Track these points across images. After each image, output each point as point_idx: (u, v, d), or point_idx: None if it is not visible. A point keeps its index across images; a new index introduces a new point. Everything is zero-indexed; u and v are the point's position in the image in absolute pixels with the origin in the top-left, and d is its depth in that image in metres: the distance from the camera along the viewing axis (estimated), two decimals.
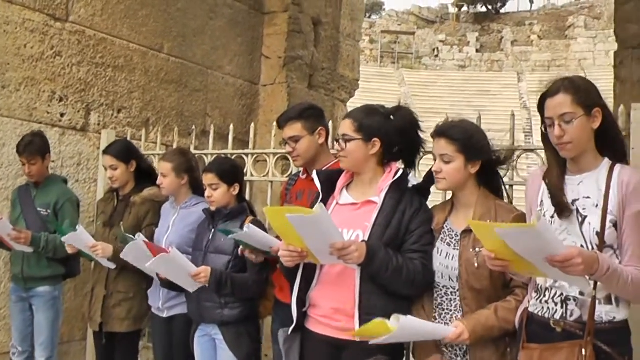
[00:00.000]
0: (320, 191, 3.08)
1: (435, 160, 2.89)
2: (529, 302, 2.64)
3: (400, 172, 3.01)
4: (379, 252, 2.78)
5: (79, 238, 4.13)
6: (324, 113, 3.72)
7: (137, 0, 5.89)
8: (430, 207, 3.06)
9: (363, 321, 2.78)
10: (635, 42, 5.70)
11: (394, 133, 3.05)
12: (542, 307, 2.56)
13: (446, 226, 2.91)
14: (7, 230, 4.35)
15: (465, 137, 2.83)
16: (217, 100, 6.73)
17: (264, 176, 4.68)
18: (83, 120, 5.47)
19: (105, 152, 4.50)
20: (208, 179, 3.79)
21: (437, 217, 2.96)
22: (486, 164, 2.89)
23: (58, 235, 4.45)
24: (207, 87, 6.61)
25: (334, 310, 2.93)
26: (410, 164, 3.16)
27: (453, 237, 2.85)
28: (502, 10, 55.06)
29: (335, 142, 3.23)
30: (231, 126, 5.19)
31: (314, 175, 3.14)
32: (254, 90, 7.18)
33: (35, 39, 5.13)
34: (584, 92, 2.51)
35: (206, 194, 3.80)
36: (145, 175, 4.54)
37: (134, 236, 3.82)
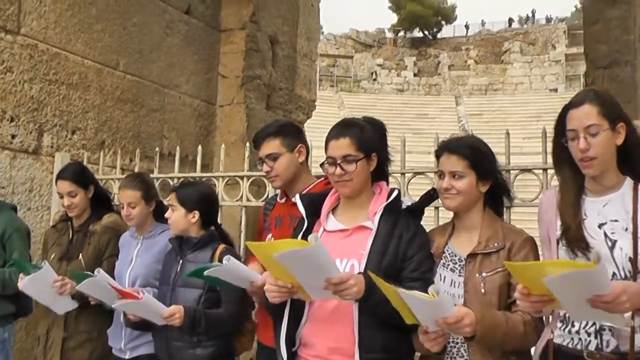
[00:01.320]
0: (304, 217, 2.85)
1: (441, 177, 2.75)
2: (552, 332, 2.50)
3: (396, 192, 2.81)
4: (375, 288, 2.52)
5: (43, 278, 3.75)
6: (302, 131, 3.53)
7: (91, 14, 5.63)
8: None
9: None
10: (606, 61, 5.72)
11: (384, 146, 2.93)
12: (572, 339, 2.44)
13: (447, 250, 2.75)
14: None
15: (477, 154, 2.72)
16: (174, 121, 6.50)
17: (236, 200, 4.45)
18: (35, 142, 5.16)
19: (61, 176, 4.13)
20: (170, 199, 3.61)
21: (436, 240, 2.80)
22: (493, 184, 2.76)
23: (7, 268, 4.10)
24: (163, 107, 6.37)
25: (330, 349, 2.69)
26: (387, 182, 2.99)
27: (457, 263, 2.69)
28: (439, 36, 56.27)
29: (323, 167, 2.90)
30: (199, 148, 4.97)
31: (297, 199, 2.91)
32: (210, 110, 6.97)
33: None
34: (609, 105, 2.43)
35: (167, 214, 3.59)
36: (99, 202, 4.24)
37: (93, 271, 3.51)
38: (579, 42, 46.47)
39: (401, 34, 56.85)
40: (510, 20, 58.44)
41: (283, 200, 3.45)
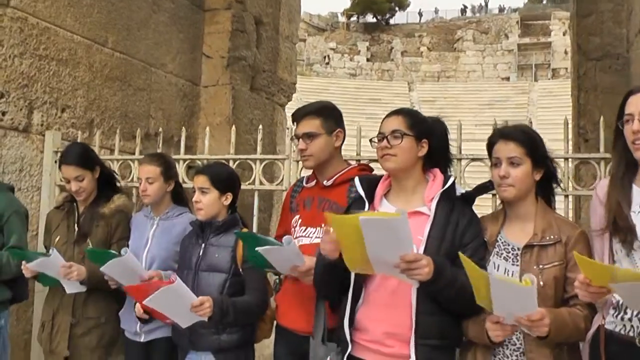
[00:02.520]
0: (364, 198, 2.87)
1: (497, 165, 2.75)
2: (603, 318, 2.53)
3: (452, 179, 2.84)
4: (446, 268, 2.58)
5: (51, 263, 3.63)
6: (342, 117, 3.49)
7: None
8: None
9: (419, 347, 2.61)
10: (598, 53, 5.84)
11: (440, 138, 2.92)
12: (625, 325, 2.46)
13: (500, 239, 2.76)
14: None
15: (532, 141, 2.73)
16: (160, 100, 6.38)
17: (249, 184, 4.39)
18: (26, 119, 4.99)
19: (65, 161, 3.96)
20: (199, 181, 3.49)
21: (489, 228, 2.81)
22: (546, 173, 2.78)
23: (5, 252, 3.93)
24: (150, 86, 6.25)
25: (386, 334, 2.69)
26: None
27: (510, 252, 2.71)
28: (392, 22, 56.40)
29: (374, 141, 2.92)
30: (183, 129, 4.85)
31: (357, 181, 2.93)
32: (195, 91, 6.87)
33: None
34: None
35: (194, 198, 3.50)
36: (105, 183, 4.10)
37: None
38: (531, 32, 47.37)
39: (354, 18, 56.88)
40: (464, 9, 59.01)
41: (313, 184, 3.42)
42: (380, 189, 2.92)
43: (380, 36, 52.29)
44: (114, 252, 3.46)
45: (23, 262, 3.74)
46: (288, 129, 4.26)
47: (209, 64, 6.93)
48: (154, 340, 3.69)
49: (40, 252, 3.77)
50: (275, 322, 3.50)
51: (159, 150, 4.93)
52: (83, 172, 3.93)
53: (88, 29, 5.55)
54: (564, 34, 44.43)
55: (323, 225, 3.00)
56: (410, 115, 2.86)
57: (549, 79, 43.46)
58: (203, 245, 3.47)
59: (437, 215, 2.73)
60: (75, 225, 3.98)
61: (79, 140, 5.02)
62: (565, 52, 43.79)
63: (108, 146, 5.46)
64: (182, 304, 3.12)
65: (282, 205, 3.76)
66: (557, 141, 3.67)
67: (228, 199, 3.50)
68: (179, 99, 6.65)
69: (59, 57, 5.26)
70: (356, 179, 2.95)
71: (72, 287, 3.73)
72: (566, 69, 43.65)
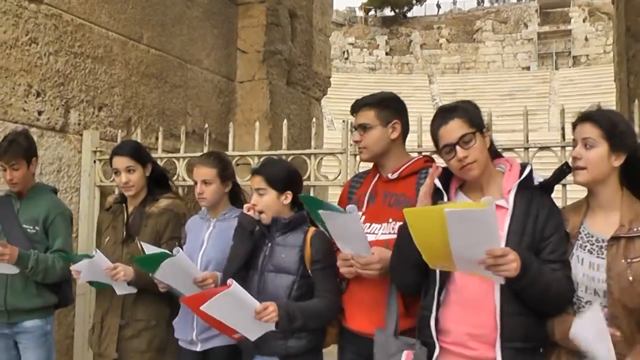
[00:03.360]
0: (442, 190, 2.66)
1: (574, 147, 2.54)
2: None
3: (529, 168, 2.61)
4: (533, 263, 2.36)
5: (95, 264, 3.44)
6: (406, 109, 3.23)
7: None
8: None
9: (505, 350, 2.40)
10: None
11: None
12: None
13: (582, 230, 2.52)
14: None
15: (611, 123, 2.48)
16: (196, 97, 6.15)
17: (303, 180, 4.12)
18: (62, 119, 4.79)
19: (118, 152, 3.77)
20: (255, 182, 3.23)
21: (571, 220, 2.57)
22: (630, 160, 2.50)
23: (50, 255, 3.78)
24: (186, 82, 6.02)
25: (469, 336, 2.49)
26: None
27: (594, 244, 2.47)
28: (410, 15, 55.86)
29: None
30: (234, 127, 4.61)
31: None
32: (231, 87, 6.63)
33: (8, 22, 4.42)
34: None
35: (252, 201, 3.24)
36: (156, 183, 3.89)
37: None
38: (550, 20, 46.76)
39: (372, 12, 56.46)
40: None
41: (375, 178, 3.19)
42: (455, 181, 2.72)
43: (399, 29, 51.79)
44: (165, 251, 3.22)
45: (71, 264, 3.58)
46: (344, 121, 4.01)
47: (244, 59, 6.68)
48: (211, 349, 3.45)
49: (86, 254, 3.55)
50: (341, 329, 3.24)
51: (205, 149, 4.68)
52: (135, 165, 3.72)
53: (123, 25, 5.33)
54: (584, 21, 43.84)
55: (390, 220, 2.90)
56: (464, 114, 2.61)
57: (570, 67, 42.87)
58: (269, 244, 3.21)
59: (516, 207, 2.52)
60: (124, 225, 3.77)
61: (119, 139, 4.81)
62: (586, 39, 43.23)
63: (146, 145, 5.21)
64: (244, 311, 2.85)
65: (338, 201, 3.52)
66: None
67: (288, 197, 3.23)
68: (215, 96, 6.41)
69: (94, 55, 5.04)
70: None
71: (121, 289, 3.53)
72: (587, 56, 43.13)
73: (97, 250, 3.48)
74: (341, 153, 4.04)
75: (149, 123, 5.52)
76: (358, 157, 3.89)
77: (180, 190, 4.51)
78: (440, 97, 40.65)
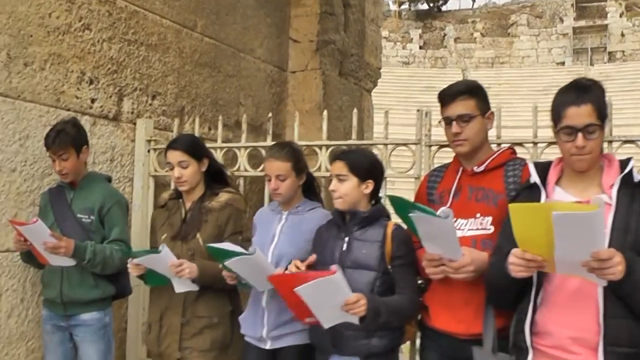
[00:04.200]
0: (540, 185, 2.47)
1: None
2: None
3: (631, 163, 2.39)
4: (637, 265, 2.15)
5: (160, 260, 3.21)
6: None
7: None
8: None
9: (608, 354, 2.21)
10: None
11: None
12: None
13: None
14: (44, 236, 3.37)
15: None
16: (249, 87, 5.87)
17: None
18: (115, 107, 4.54)
19: (172, 146, 3.54)
20: (336, 168, 2.99)
21: None
22: None
23: (108, 245, 3.59)
24: (239, 72, 5.75)
25: (571, 340, 2.30)
26: None
27: None
28: (444, 8, 55.24)
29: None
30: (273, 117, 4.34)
31: (531, 166, 2.54)
32: (283, 77, 6.34)
33: (62, 8, 4.16)
34: None
35: (331, 186, 3.01)
36: (214, 178, 3.66)
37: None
38: (586, 15, 45.84)
39: (405, 6, 55.91)
40: None
41: (459, 171, 2.95)
42: (553, 175, 2.51)
43: (433, 23, 51.17)
44: (240, 250, 2.96)
45: (129, 259, 3.36)
46: (419, 111, 3.73)
47: (297, 48, 6.39)
48: (282, 348, 3.22)
49: (148, 249, 3.31)
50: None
51: (269, 140, 4.42)
52: (188, 159, 3.48)
53: (177, 12, 5.07)
54: (620, 16, 42.81)
55: (478, 215, 2.78)
56: (597, 102, 2.39)
57: (605, 63, 41.96)
58: (346, 238, 2.97)
59: (619, 203, 2.33)
60: (183, 222, 3.52)
61: (175, 130, 4.63)
62: (622, 35, 42.25)
63: (199, 135, 4.96)
64: (335, 300, 2.65)
65: (415, 196, 3.26)
66: (630, 126, 3.18)
67: (369, 187, 2.99)
68: (267, 86, 6.13)
69: (148, 42, 4.79)
70: (530, 164, 2.60)
71: (182, 286, 3.30)
72: (623, 52, 42.16)
73: (164, 245, 3.22)
74: (415, 144, 3.73)
75: (202, 113, 5.26)
76: (433, 149, 3.66)
77: (242, 181, 4.28)
78: None
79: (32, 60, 3.98)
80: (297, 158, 3.30)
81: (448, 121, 2.87)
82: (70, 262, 3.51)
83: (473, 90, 2.88)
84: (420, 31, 49.96)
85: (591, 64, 42.16)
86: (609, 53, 42.99)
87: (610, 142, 3.25)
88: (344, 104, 6.54)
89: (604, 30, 43.45)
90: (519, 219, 2.18)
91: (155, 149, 4.64)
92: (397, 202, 2.63)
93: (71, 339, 3.73)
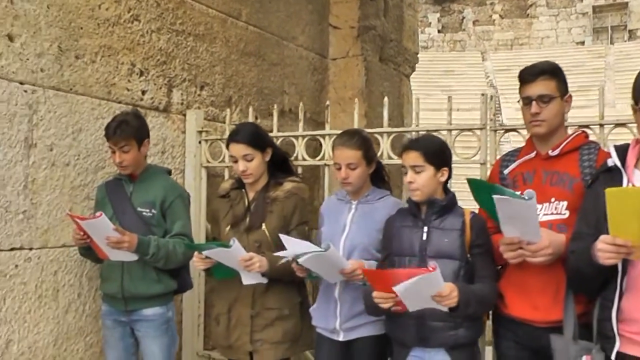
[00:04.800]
0: (621, 168, 2.36)
1: None
2: None
3: None
4: None
5: (229, 254, 3.08)
6: None
7: None
8: None
9: None
10: None
11: None
12: None
13: None
14: (107, 231, 3.26)
15: None
16: (292, 75, 5.75)
17: None
18: (165, 98, 4.45)
19: (234, 139, 3.38)
20: (411, 158, 2.85)
21: None
22: None
23: (171, 239, 3.49)
24: (283, 60, 5.63)
25: None
26: None
27: None
28: None
29: None
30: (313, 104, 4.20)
31: (612, 149, 2.43)
32: (324, 64, 6.20)
33: None
34: None
35: (408, 178, 2.86)
36: (276, 166, 3.51)
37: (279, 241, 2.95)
38: None
39: None
40: None
41: (533, 155, 2.85)
42: (632, 157, 2.40)
43: (451, 6, 50.58)
44: (313, 247, 2.85)
45: (195, 253, 3.24)
46: (483, 94, 3.61)
47: (337, 35, 6.24)
48: (356, 339, 3.13)
49: (216, 242, 3.20)
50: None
51: (327, 129, 4.29)
52: (253, 152, 3.34)
53: (222, 1, 4.96)
54: None
55: (552, 199, 2.70)
56: None
57: (626, 41, 41.32)
58: (425, 228, 2.85)
59: None
60: (247, 212, 3.40)
61: (227, 119, 4.51)
62: None
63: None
64: (427, 292, 2.55)
65: (487, 180, 3.14)
66: None
67: (444, 174, 2.89)
68: (310, 73, 6.00)
69: (195, 32, 4.68)
70: (611, 147, 2.48)
71: (251, 279, 3.18)
72: None
73: (235, 239, 3.08)
74: (480, 129, 3.58)
75: (248, 102, 5.15)
76: (498, 134, 3.54)
77: (299, 171, 4.19)
78: (494, 74, 39.74)
79: (83, 52, 3.89)
80: (367, 146, 3.18)
81: (527, 101, 2.79)
82: (132, 257, 3.41)
83: (554, 71, 2.79)
84: (438, 15, 49.45)
85: (611, 43, 41.53)
86: (630, 31, 42.30)
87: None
88: (385, 90, 6.40)
89: (624, 8, 42.73)
90: (614, 204, 2.10)
91: (207, 140, 4.54)
92: (476, 184, 2.55)
93: (132, 334, 3.65)
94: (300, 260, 2.83)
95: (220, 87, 4.89)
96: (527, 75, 2.80)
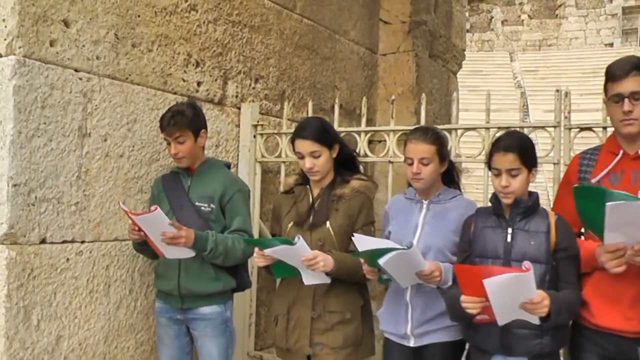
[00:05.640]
0: None
1: None
2: None
3: None
4: None
5: (293, 252, 2.89)
6: None
7: None
8: None
9: None
10: None
11: None
12: None
13: None
14: (162, 226, 3.09)
15: None
16: (343, 70, 5.55)
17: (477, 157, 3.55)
18: (221, 91, 4.27)
19: (300, 135, 3.18)
20: (508, 161, 2.65)
21: None
22: None
23: (230, 235, 3.31)
24: (335, 54, 5.43)
25: None
26: None
27: None
28: None
29: None
30: (364, 100, 4.01)
31: None
32: (374, 59, 5.99)
33: None
34: None
35: (502, 182, 2.66)
36: (343, 163, 3.30)
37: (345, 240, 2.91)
38: None
39: None
40: None
41: (619, 154, 2.64)
42: None
43: (480, 6, 50.04)
44: (395, 245, 2.66)
45: (256, 249, 3.05)
46: (557, 91, 3.40)
47: (387, 30, 6.02)
48: (427, 345, 2.95)
49: (280, 239, 3.02)
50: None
51: (392, 124, 4.08)
52: (320, 148, 3.14)
53: None
54: None
55: None
56: None
57: None
58: (509, 229, 2.66)
59: None
60: (311, 209, 3.20)
61: (284, 113, 4.37)
62: None
63: (299, 119, 4.69)
64: (517, 297, 2.36)
65: (562, 179, 2.96)
66: None
67: (534, 174, 2.70)
68: (360, 69, 5.79)
69: (251, 24, 4.50)
70: None
71: (313, 278, 2.99)
72: None
73: (300, 237, 2.90)
74: (554, 127, 3.37)
75: (301, 97, 4.96)
76: (572, 132, 3.32)
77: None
78: (522, 75, 39.20)
79: (140, 41, 3.72)
80: (441, 142, 3.01)
81: (618, 98, 2.57)
82: (189, 254, 3.23)
83: None
84: (467, 14, 48.94)
85: None
86: None
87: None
88: (434, 87, 6.18)
89: None
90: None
91: (262, 134, 4.35)
92: (588, 191, 2.33)
93: (187, 333, 3.48)
94: (382, 262, 2.63)
95: (274, 81, 4.71)
96: (618, 71, 2.58)
